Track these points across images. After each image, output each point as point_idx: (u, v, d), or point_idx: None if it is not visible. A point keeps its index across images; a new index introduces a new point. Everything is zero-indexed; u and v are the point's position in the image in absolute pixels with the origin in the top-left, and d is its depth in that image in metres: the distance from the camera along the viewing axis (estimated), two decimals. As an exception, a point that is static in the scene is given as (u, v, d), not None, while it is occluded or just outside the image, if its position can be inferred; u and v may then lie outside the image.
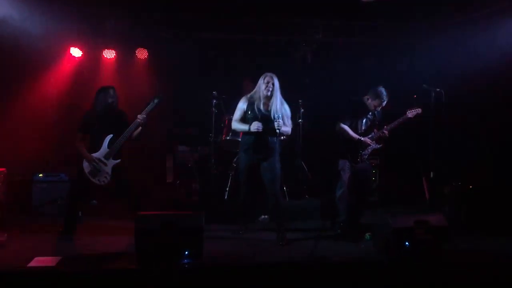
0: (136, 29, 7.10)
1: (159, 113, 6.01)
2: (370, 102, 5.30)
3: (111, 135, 5.13)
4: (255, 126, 5.00)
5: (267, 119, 5.07)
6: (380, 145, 5.41)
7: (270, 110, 5.09)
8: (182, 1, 6.35)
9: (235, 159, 6.61)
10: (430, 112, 5.43)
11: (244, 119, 5.20)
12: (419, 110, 5.37)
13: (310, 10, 6.77)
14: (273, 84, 5.05)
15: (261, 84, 5.10)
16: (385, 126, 5.38)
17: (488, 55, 6.48)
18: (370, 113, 5.39)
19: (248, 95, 5.22)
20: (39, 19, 6.22)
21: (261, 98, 5.11)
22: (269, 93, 5.05)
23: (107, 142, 5.11)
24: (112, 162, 5.13)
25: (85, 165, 5.11)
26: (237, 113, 5.23)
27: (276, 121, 4.96)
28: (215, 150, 6.84)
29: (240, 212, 5.59)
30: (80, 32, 6.92)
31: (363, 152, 5.33)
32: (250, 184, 5.33)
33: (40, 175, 6.44)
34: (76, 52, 7.12)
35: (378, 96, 5.22)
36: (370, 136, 5.34)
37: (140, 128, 5.19)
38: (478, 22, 6.59)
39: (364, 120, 5.40)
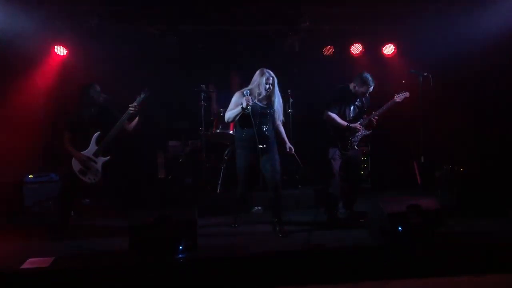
0: (121, 25, 7.03)
1: (148, 108, 5.97)
2: (357, 89, 5.29)
3: (98, 132, 5.09)
4: (245, 102, 4.84)
5: (264, 113, 5.03)
6: (370, 131, 5.41)
7: (269, 104, 5.06)
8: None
9: (226, 152, 6.60)
10: (419, 96, 5.44)
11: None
12: (406, 94, 5.38)
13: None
14: (272, 84, 4.99)
15: (262, 82, 4.97)
16: (373, 112, 5.38)
17: (476, 38, 6.48)
18: (358, 100, 5.39)
19: (244, 90, 5.02)
20: (23, 17, 6.14)
21: (261, 94, 5.01)
22: (269, 90, 5.00)
23: (95, 140, 5.08)
24: (101, 160, 5.10)
25: (74, 164, 5.07)
26: (231, 106, 5.08)
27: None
28: (206, 143, 6.83)
29: (234, 206, 5.55)
30: (64, 30, 6.84)
31: (352, 139, 5.33)
32: (249, 182, 5.28)
33: (31, 176, 6.39)
34: (60, 50, 7.03)
35: (364, 82, 5.21)
36: (359, 122, 5.34)
37: (137, 118, 5.16)
38: (465, 4, 6.58)
39: (352, 107, 5.40)
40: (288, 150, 5.30)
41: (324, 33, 7.68)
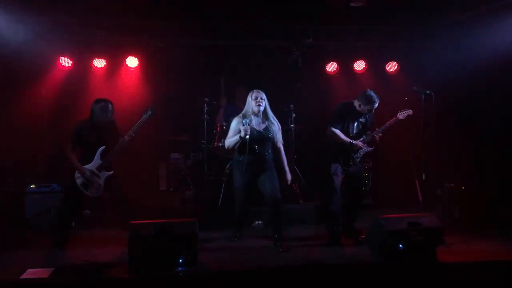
0: (126, 38, 7.09)
1: (151, 121, 5.99)
2: (361, 106, 5.30)
3: (103, 147, 5.11)
4: (243, 131, 4.93)
5: (261, 138, 5.09)
6: (372, 148, 5.42)
7: (266, 128, 5.12)
8: (171, 7, 6.33)
9: (228, 165, 6.61)
10: (421, 114, 5.46)
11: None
12: (410, 112, 5.39)
13: (300, 14, 6.79)
14: (262, 99, 5.09)
15: (251, 101, 5.11)
16: (376, 129, 5.38)
17: (479, 56, 6.51)
18: (362, 117, 5.40)
19: (240, 115, 5.15)
20: (29, 29, 6.21)
21: (252, 114, 5.10)
22: (261, 108, 5.08)
23: (100, 154, 5.09)
24: (105, 174, 5.12)
25: (77, 177, 5.08)
26: (230, 133, 5.17)
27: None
28: (208, 156, 6.84)
29: (234, 222, 5.58)
30: (70, 41, 6.90)
31: (355, 156, 5.33)
32: (246, 202, 5.37)
33: (33, 186, 6.39)
34: (66, 61, 7.09)
35: (368, 100, 5.22)
36: (361, 139, 5.34)
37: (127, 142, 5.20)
38: (469, 23, 6.62)
39: (355, 124, 5.40)
40: (287, 182, 5.36)
41: (327, 49, 7.73)
